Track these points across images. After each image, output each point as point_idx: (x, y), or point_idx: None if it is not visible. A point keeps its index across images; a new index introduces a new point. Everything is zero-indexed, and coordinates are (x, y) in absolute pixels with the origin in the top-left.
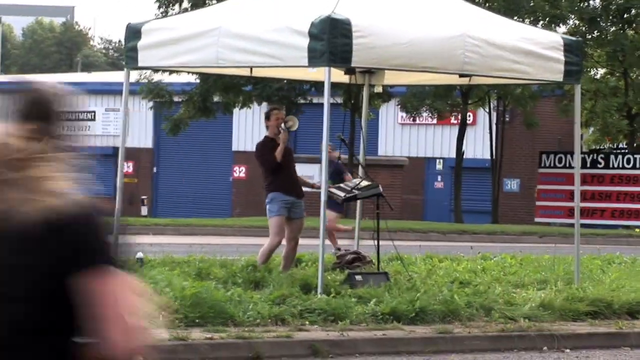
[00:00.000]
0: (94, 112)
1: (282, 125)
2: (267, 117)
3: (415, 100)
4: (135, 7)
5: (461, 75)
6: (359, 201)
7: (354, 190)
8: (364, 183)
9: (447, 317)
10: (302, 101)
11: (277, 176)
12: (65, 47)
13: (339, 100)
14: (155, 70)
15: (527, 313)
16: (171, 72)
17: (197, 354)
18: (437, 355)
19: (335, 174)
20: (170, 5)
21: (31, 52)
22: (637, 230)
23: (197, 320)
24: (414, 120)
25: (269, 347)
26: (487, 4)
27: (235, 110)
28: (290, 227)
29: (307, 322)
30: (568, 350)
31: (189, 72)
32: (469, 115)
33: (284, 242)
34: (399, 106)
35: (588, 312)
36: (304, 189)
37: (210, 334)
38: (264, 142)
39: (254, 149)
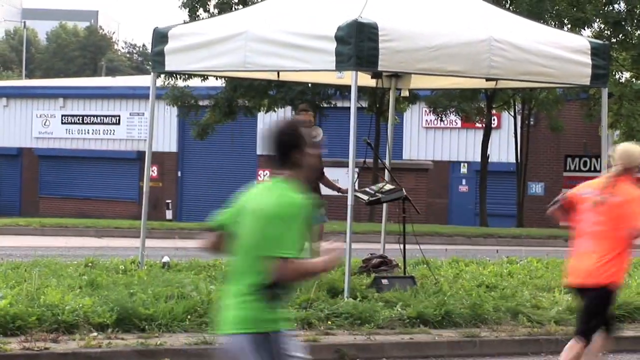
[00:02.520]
0: (119, 116)
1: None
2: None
3: (444, 100)
4: (159, 12)
5: (487, 79)
6: (384, 205)
7: (377, 194)
8: (388, 187)
9: (474, 321)
10: (325, 105)
11: None
12: (89, 51)
13: (364, 104)
14: (181, 74)
15: (554, 317)
16: (198, 76)
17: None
18: (464, 359)
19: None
20: (196, 9)
21: (55, 57)
22: None
23: None
24: (441, 120)
25: None
26: (512, 7)
27: (260, 114)
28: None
29: (333, 326)
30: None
31: (216, 77)
32: (494, 119)
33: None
34: (427, 106)
35: (615, 315)
36: (331, 192)
37: None
38: None
39: None
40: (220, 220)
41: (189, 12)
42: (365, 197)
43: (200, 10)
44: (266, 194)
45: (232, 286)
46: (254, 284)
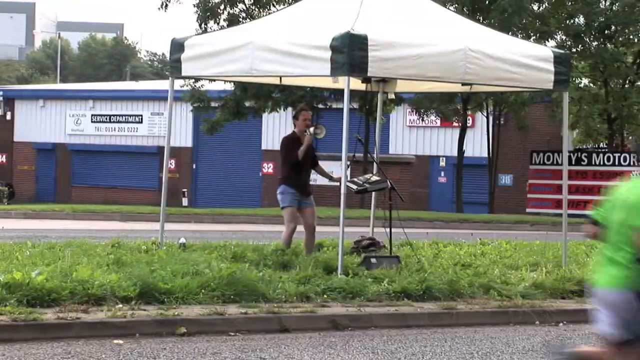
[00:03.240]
0: (141, 115)
1: (311, 130)
2: (296, 116)
3: (427, 102)
4: (178, 24)
5: (463, 84)
6: (373, 194)
7: (365, 184)
8: (374, 178)
9: (451, 295)
10: (322, 106)
11: (293, 172)
12: (115, 59)
13: (356, 105)
14: (197, 79)
15: (522, 292)
16: (210, 80)
17: (233, 327)
18: (442, 328)
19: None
20: (209, 22)
21: (86, 64)
22: None
23: (232, 297)
24: (423, 120)
25: (295, 321)
26: (485, 21)
27: (265, 114)
28: (304, 216)
29: (329, 300)
30: (561, 324)
31: (225, 81)
32: (469, 119)
33: (300, 229)
34: (411, 108)
35: (575, 290)
36: (324, 180)
37: (244, 309)
38: (290, 139)
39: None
40: (598, 215)
41: (202, 24)
42: (354, 187)
43: (212, 23)
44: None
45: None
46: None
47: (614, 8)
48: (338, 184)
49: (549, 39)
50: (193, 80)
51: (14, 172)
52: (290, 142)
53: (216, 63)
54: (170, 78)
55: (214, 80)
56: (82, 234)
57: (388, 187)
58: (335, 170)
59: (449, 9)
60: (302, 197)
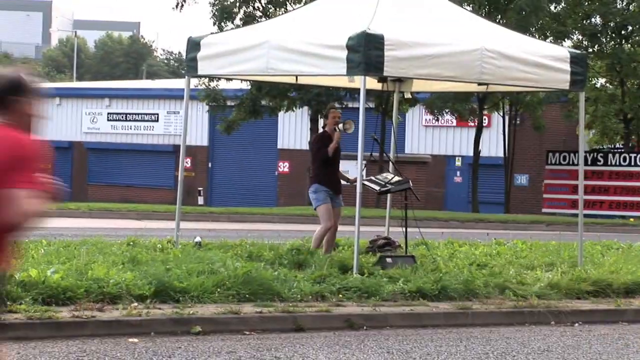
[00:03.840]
0: (157, 114)
1: (340, 125)
2: (326, 115)
3: (439, 102)
4: (193, 23)
5: (479, 84)
6: (389, 194)
7: (387, 185)
8: (396, 178)
9: (467, 295)
10: (337, 106)
11: (324, 170)
12: (132, 57)
13: (371, 104)
14: (212, 78)
15: (537, 292)
16: (226, 79)
17: (248, 326)
18: (457, 328)
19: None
20: (225, 21)
21: (102, 62)
22: (631, 220)
23: (248, 296)
24: (438, 120)
25: (310, 320)
26: (502, 21)
27: (281, 113)
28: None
29: (344, 299)
30: (576, 325)
31: (242, 80)
32: (485, 119)
33: (311, 228)
34: (425, 108)
35: (590, 291)
36: (343, 182)
37: (260, 308)
38: (321, 136)
39: (296, 147)
40: None
41: (218, 24)
42: (377, 188)
43: (228, 22)
44: None
45: None
46: None
47: (630, 8)
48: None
49: (566, 39)
50: (208, 79)
51: None
52: (321, 139)
53: (232, 62)
54: (186, 77)
55: (231, 79)
56: (98, 232)
57: (409, 187)
58: (350, 169)
59: (465, 8)
60: (334, 196)
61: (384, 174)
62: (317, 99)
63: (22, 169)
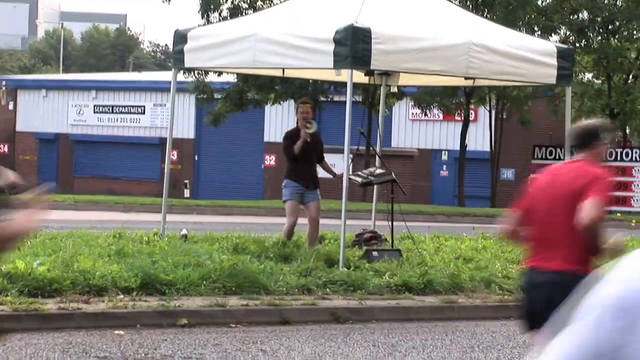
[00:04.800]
0: (144, 106)
1: (306, 130)
2: (297, 109)
3: (427, 97)
4: (180, 15)
5: (466, 78)
6: (375, 187)
7: (369, 177)
8: (379, 171)
9: (453, 289)
10: (324, 99)
11: (295, 165)
12: (118, 49)
13: (358, 98)
14: (202, 70)
15: None
16: (214, 72)
17: (234, 319)
18: (443, 322)
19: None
20: (212, 13)
21: (89, 54)
22: (633, 222)
23: (234, 289)
24: (425, 115)
25: (296, 314)
26: (489, 15)
27: (267, 106)
28: (308, 210)
29: (330, 292)
30: None
31: (228, 73)
32: (471, 113)
33: (305, 221)
34: (413, 102)
35: None
36: (327, 175)
37: (246, 301)
38: (290, 133)
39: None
40: None
41: (204, 16)
42: (359, 180)
43: (215, 14)
44: None
45: None
46: None
47: (617, 3)
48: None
49: (553, 34)
50: (198, 72)
51: (16, 162)
52: (290, 137)
53: (219, 54)
54: (173, 69)
55: (219, 72)
56: (84, 225)
57: (392, 179)
58: (337, 162)
59: (452, 2)
60: (306, 191)
61: (370, 169)
62: (301, 92)
63: (593, 187)
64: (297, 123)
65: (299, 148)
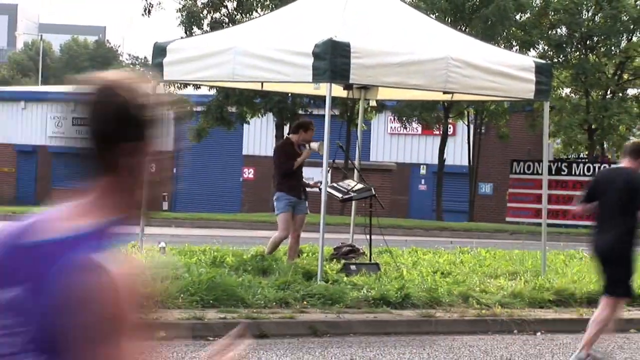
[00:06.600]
0: None
1: (314, 146)
2: (305, 129)
3: (408, 110)
4: (159, 29)
5: (445, 92)
6: (354, 201)
7: (350, 193)
8: (359, 186)
9: (430, 303)
10: (302, 113)
11: (288, 179)
12: (97, 62)
13: (337, 112)
14: (181, 84)
15: (500, 300)
16: (193, 85)
17: (212, 332)
18: (421, 336)
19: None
20: (192, 27)
21: (68, 66)
22: None
23: (212, 302)
24: (404, 128)
25: (274, 327)
26: (467, 30)
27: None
28: (294, 222)
29: (308, 305)
30: (539, 334)
31: (209, 87)
32: (450, 127)
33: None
34: (392, 115)
35: (553, 300)
36: (309, 188)
37: (224, 314)
38: (284, 147)
39: (261, 154)
40: None
41: (185, 30)
42: (339, 195)
43: (195, 28)
44: None
45: None
46: None
47: (595, 19)
48: (317, 190)
49: (531, 49)
50: (178, 85)
51: None
52: (285, 150)
53: (198, 68)
54: (152, 82)
55: (198, 85)
56: None
57: (372, 195)
58: (315, 176)
59: (431, 17)
60: (298, 203)
61: (347, 181)
62: (279, 106)
63: None
64: (289, 135)
65: (299, 164)
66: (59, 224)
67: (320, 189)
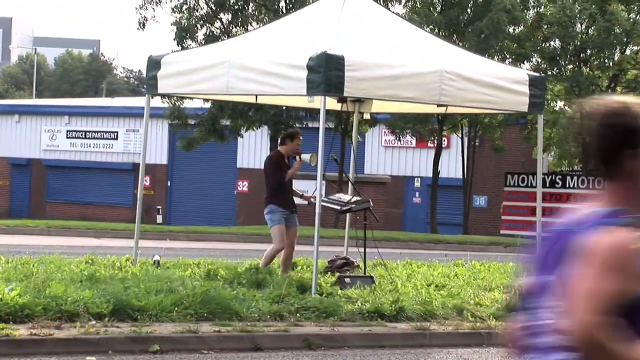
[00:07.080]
0: (117, 132)
1: (306, 157)
2: (291, 138)
3: (401, 122)
4: (154, 42)
5: (438, 105)
6: (348, 213)
7: (348, 204)
8: (356, 198)
9: (425, 316)
10: (297, 125)
11: (280, 191)
12: (91, 75)
13: (331, 124)
14: (176, 96)
15: (494, 313)
16: (187, 98)
17: (206, 345)
18: (415, 349)
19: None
20: (186, 41)
21: (62, 79)
22: None
23: (206, 315)
24: (399, 141)
25: (268, 340)
26: (461, 43)
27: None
28: (288, 234)
29: (302, 319)
30: None
31: (204, 100)
32: (444, 140)
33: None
34: (387, 128)
35: None
36: (301, 201)
37: (218, 327)
38: (276, 159)
39: (256, 167)
40: None
41: (179, 43)
42: (337, 207)
43: (190, 41)
44: None
45: None
46: None
47: (589, 32)
48: (307, 203)
49: (525, 62)
50: (175, 97)
51: None
52: (277, 163)
53: (193, 81)
54: (146, 95)
55: (192, 98)
56: (56, 250)
57: (371, 206)
58: (309, 188)
59: (425, 30)
60: (289, 216)
61: (338, 195)
62: (275, 119)
63: None
64: (280, 147)
65: (291, 175)
66: (585, 211)
67: (310, 203)
